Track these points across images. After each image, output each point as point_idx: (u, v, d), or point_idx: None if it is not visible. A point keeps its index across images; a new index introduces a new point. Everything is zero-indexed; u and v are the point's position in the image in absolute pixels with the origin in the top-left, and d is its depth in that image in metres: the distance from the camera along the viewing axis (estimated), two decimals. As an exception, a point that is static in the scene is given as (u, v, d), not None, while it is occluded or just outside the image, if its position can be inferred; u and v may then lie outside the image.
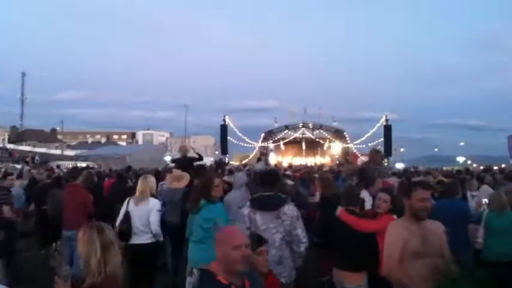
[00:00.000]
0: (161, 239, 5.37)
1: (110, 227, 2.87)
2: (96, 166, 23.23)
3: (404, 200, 3.55)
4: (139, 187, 5.41)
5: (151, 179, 5.68)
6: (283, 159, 32.10)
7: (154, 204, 5.37)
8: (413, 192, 3.45)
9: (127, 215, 5.27)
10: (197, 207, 4.53)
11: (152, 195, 5.53)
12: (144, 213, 5.25)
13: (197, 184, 4.81)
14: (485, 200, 6.25)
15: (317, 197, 7.51)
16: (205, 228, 4.42)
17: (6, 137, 64.27)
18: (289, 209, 4.18)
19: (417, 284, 3.28)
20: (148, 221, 5.22)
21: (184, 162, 9.04)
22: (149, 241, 5.27)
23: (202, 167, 8.53)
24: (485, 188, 7.31)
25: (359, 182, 6.22)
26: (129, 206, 5.34)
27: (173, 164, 10.25)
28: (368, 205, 5.06)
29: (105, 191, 9.00)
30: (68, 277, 2.57)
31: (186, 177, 7.10)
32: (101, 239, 2.72)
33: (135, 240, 5.24)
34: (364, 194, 5.28)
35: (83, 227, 2.84)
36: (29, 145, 52.76)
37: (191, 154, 10.13)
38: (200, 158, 9.85)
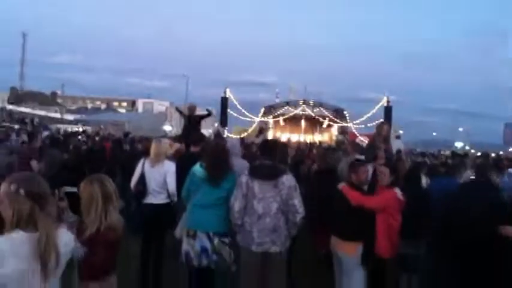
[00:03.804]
0: (175, 199, 5.50)
1: (111, 180, 2.92)
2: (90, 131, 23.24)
3: None
4: (153, 150, 5.54)
5: (165, 142, 5.87)
6: (282, 135, 32.09)
7: (170, 166, 5.51)
8: None
9: (142, 176, 5.45)
10: (223, 180, 4.42)
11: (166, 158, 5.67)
12: (161, 175, 5.42)
13: (216, 155, 4.50)
14: None
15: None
16: (220, 196, 4.40)
17: (6, 98, 63.95)
18: (287, 179, 4.21)
19: None
20: (165, 182, 5.40)
21: (194, 120, 9.36)
22: (163, 201, 5.45)
23: (203, 135, 8.59)
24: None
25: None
26: (145, 167, 5.50)
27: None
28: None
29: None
30: (74, 224, 2.64)
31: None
32: (102, 190, 2.79)
33: (150, 199, 5.45)
34: (369, 168, 5.35)
35: (86, 179, 2.90)
36: (28, 107, 52.53)
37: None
38: (209, 114, 10.08)
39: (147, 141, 10.61)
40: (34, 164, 7.10)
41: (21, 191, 2.02)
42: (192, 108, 10.14)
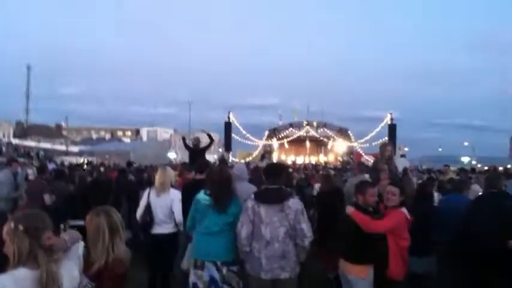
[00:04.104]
0: (182, 228, 5.40)
1: (117, 211, 2.89)
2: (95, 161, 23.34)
3: None
4: (159, 179, 5.53)
5: (170, 171, 5.84)
6: (287, 157, 32.08)
7: (176, 194, 5.47)
8: None
9: (148, 206, 5.44)
10: (228, 205, 4.31)
11: (172, 186, 5.64)
12: (166, 204, 5.40)
13: (221, 181, 4.37)
14: None
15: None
16: (227, 222, 4.28)
17: (12, 132, 64.44)
18: (294, 203, 4.12)
19: None
20: (170, 211, 5.38)
21: (197, 153, 9.60)
22: (170, 230, 5.44)
23: (208, 162, 8.58)
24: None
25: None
26: (150, 197, 5.47)
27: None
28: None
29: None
30: (81, 256, 2.61)
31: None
32: (108, 222, 2.76)
33: (157, 229, 5.43)
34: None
35: (92, 211, 2.87)
36: (33, 140, 52.91)
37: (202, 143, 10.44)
38: (212, 141, 10.37)
39: (152, 170, 10.66)
40: (47, 197, 7.13)
41: (20, 227, 2.04)
42: (196, 142, 10.28)
